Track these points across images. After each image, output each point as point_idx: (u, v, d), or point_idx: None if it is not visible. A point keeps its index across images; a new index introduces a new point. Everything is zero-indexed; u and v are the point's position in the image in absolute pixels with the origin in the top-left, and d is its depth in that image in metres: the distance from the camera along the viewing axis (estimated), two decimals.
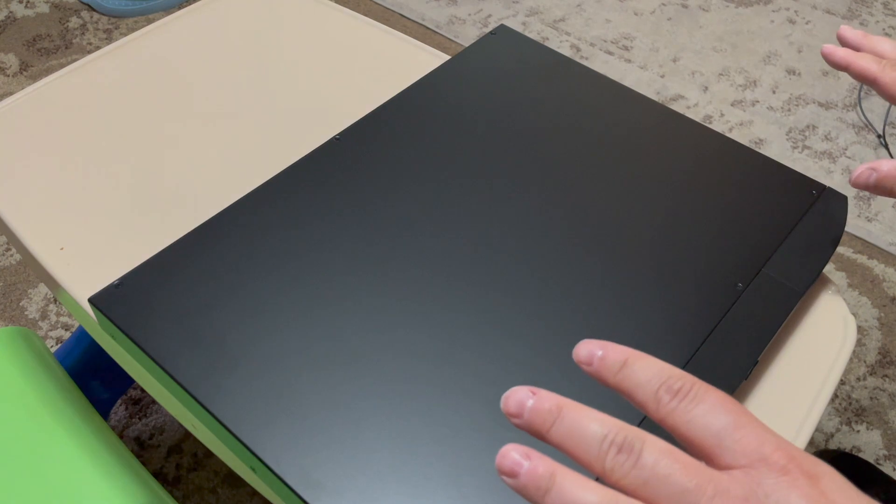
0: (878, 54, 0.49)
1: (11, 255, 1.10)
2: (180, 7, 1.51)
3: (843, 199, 0.55)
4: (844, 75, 1.41)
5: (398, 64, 0.67)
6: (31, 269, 1.05)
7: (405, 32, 0.70)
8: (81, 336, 0.82)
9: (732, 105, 1.33)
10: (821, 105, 1.34)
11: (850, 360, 1.02)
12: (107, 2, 1.47)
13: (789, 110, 1.32)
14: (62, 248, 0.54)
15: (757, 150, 0.56)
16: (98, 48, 1.39)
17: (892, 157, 1.25)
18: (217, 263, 0.49)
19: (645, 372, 0.28)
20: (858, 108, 1.33)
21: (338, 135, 0.57)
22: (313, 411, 0.42)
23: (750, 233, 0.52)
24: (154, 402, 0.95)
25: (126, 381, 0.90)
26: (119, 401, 0.95)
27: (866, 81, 0.49)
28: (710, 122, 1.30)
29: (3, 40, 1.43)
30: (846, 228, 1.16)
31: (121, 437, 0.89)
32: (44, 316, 1.03)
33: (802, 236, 0.52)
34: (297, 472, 0.40)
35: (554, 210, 0.53)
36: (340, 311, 0.47)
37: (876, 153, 1.26)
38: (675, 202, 0.54)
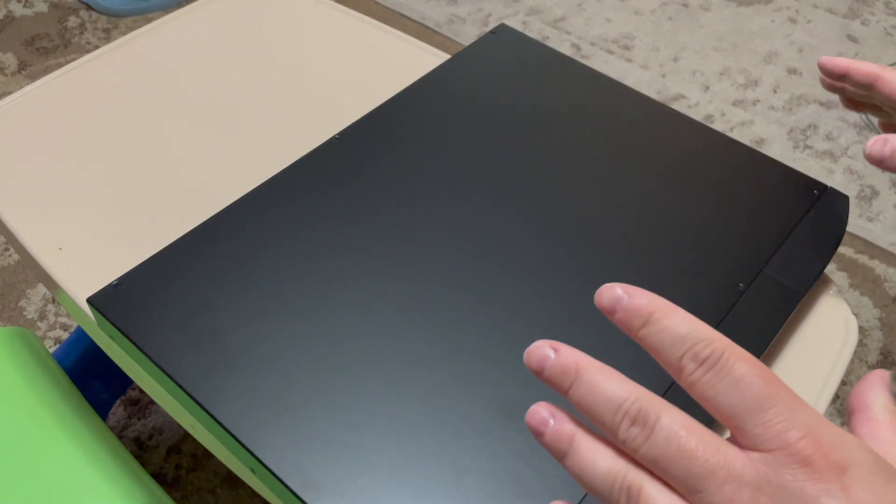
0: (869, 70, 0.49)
1: (10, 256, 1.10)
2: (179, 6, 1.51)
3: (844, 199, 0.54)
4: None
5: (398, 63, 0.67)
6: (30, 270, 1.05)
7: (405, 32, 0.70)
8: (80, 336, 0.81)
9: (733, 105, 1.33)
10: (822, 105, 1.33)
11: (852, 360, 1.02)
12: (105, 1, 1.47)
13: (790, 110, 1.32)
14: (61, 248, 0.53)
15: (758, 149, 0.56)
16: (97, 48, 1.39)
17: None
18: (216, 263, 0.49)
19: (670, 333, 0.26)
20: None
21: (338, 134, 0.57)
22: (312, 412, 0.42)
23: (751, 233, 0.52)
24: (153, 402, 0.95)
25: (125, 381, 0.90)
26: (118, 401, 0.95)
27: (868, 81, 0.49)
28: (711, 122, 1.30)
29: (1, 39, 1.43)
30: (847, 228, 1.15)
31: (120, 437, 0.89)
32: (42, 316, 1.03)
33: (804, 236, 0.52)
34: (296, 472, 0.40)
35: (554, 209, 0.53)
36: (340, 311, 0.47)
37: None
38: (676, 202, 0.54)
